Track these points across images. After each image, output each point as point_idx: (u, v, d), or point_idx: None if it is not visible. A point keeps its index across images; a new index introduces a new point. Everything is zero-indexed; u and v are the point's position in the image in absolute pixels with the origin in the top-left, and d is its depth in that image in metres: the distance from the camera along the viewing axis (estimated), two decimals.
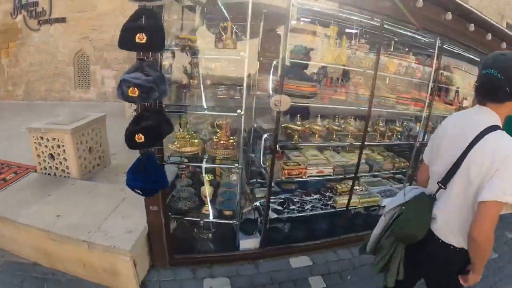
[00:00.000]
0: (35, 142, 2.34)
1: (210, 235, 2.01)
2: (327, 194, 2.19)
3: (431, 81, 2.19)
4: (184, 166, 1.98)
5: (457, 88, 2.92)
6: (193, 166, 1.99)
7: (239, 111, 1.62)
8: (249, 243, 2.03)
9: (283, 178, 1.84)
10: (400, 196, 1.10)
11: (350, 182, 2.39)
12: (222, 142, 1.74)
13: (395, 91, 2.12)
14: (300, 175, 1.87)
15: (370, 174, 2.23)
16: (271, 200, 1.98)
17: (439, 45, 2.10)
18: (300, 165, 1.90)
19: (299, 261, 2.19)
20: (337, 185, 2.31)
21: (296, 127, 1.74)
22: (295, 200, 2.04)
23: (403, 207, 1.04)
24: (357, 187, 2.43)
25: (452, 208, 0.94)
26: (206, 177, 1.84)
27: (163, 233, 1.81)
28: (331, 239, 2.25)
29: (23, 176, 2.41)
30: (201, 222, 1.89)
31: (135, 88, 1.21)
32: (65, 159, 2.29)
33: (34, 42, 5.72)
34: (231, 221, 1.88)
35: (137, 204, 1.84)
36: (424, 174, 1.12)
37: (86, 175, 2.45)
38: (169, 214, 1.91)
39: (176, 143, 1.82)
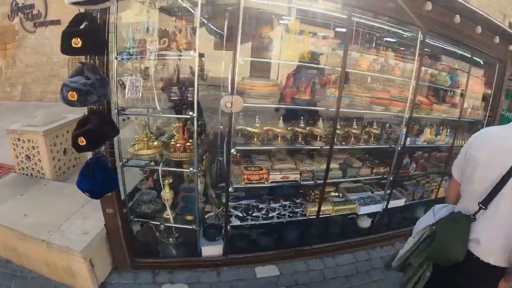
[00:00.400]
0: (13, 144, 2.60)
1: (173, 239, 2.11)
2: (298, 201, 2.22)
3: (412, 78, 2.15)
4: (147, 169, 2.12)
5: (462, 90, 2.82)
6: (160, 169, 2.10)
7: (191, 113, 1.72)
8: (211, 250, 2.10)
9: (243, 183, 1.89)
10: (429, 216, 1.13)
11: (330, 189, 2.40)
12: (178, 145, 1.84)
13: (371, 90, 2.08)
14: (261, 181, 1.92)
15: (345, 180, 2.21)
16: (235, 206, 2.06)
17: (421, 39, 2.06)
18: (262, 170, 1.95)
19: (265, 271, 2.23)
20: (311, 192, 2.33)
21: (253, 129, 1.79)
22: (260, 206, 2.09)
23: (434, 227, 1.07)
24: (334, 194, 2.43)
25: (497, 229, 0.96)
26: (166, 181, 1.96)
27: (121, 236, 1.94)
28: (302, 248, 2.27)
29: (3, 175, 2.68)
30: (161, 226, 2.00)
31: (74, 92, 1.33)
32: (39, 160, 2.53)
33: (30, 44, 6.17)
34: (191, 227, 1.98)
35: (99, 206, 2.01)
36: (454, 191, 1.15)
37: (61, 176, 2.65)
38: (131, 217, 2.07)
39: (135, 146, 1.95)
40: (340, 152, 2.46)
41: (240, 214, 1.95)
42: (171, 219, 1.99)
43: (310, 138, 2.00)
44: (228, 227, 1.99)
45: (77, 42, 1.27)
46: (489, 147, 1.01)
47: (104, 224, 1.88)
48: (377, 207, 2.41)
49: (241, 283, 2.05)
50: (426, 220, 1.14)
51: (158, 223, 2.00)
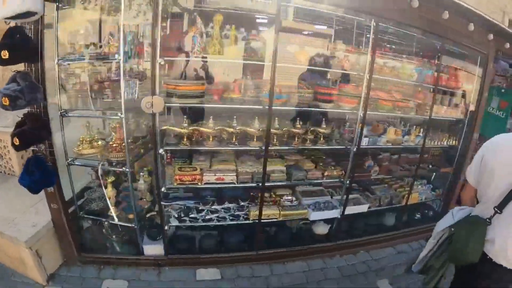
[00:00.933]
0: None
1: (118, 237, 2.39)
2: (244, 204, 2.35)
3: (366, 72, 2.15)
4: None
5: (463, 91, 2.73)
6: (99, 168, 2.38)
7: (119, 114, 1.97)
8: (153, 249, 2.33)
9: (175, 184, 2.08)
10: (448, 218, 1.28)
11: (285, 192, 2.50)
12: (115, 145, 2.11)
13: (314, 85, 2.12)
14: (194, 182, 2.09)
15: (302, 183, 2.30)
16: (180, 207, 2.24)
17: (374, 26, 2.05)
18: (196, 170, 2.13)
19: (207, 274, 2.40)
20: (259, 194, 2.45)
21: (180, 129, 1.97)
22: (200, 208, 2.27)
23: (452, 229, 1.22)
24: (288, 198, 2.52)
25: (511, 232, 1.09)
26: (108, 180, 2.25)
27: (67, 231, 2.27)
28: (247, 253, 2.41)
29: None
30: (105, 223, 2.29)
31: (6, 98, 1.65)
32: (10, 158, 3.02)
33: None
34: (131, 225, 2.23)
35: None
36: (469, 195, 1.31)
37: None
38: (80, 213, 2.40)
39: (79, 146, 2.27)
40: (295, 154, 2.55)
41: (176, 215, 2.16)
42: (114, 217, 2.28)
43: (248, 138, 2.14)
44: (167, 227, 2.22)
45: (5, 54, 1.58)
46: (504, 154, 1.12)
47: (52, 219, 2.23)
48: (333, 213, 2.45)
49: (179, 284, 2.25)
50: (445, 222, 1.28)
51: (104, 220, 2.31)
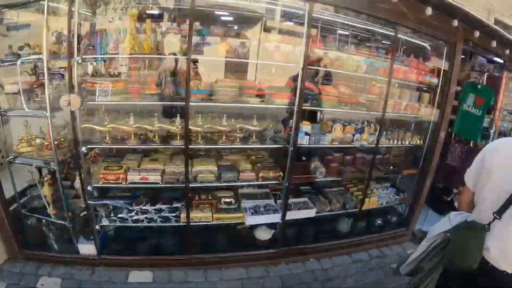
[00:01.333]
0: None
1: (57, 235, 2.37)
2: (179, 205, 2.20)
3: (301, 64, 1.93)
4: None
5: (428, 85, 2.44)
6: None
7: (45, 112, 1.95)
8: (87, 248, 2.24)
9: (100, 182, 1.96)
10: (445, 222, 1.24)
11: (227, 194, 2.35)
12: (46, 143, 2.09)
13: (240, 79, 1.93)
14: (118, 181, 1.96)
15: (216, 185, 2.06)
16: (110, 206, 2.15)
17: (308, 11, 1.81)
18: (120, 169, 2.05)
19: (139, 276, 2.29)
20: (196, 196, 2.32)
21: (99, 127, 1.88)
22: (131, 208, 2.18)
23: (448, 234, 1.18)
24: (227, 200, 2.36)
25: (511, 237, 1.05)
26: (45, 178, 2.24)
27: (7, 227, 2.29)
28: (181, 257, 2.26)
29: None
30: (43, 221, 2.29)
31: None
32: None
33: None
34: (64, 223, 2.20)
35: None
36: (467, 199, 1.26)
37: None
38: (23, 210, 2.42)
39: (18, 144, 2.29)
40: (235, 154, 2.39)
41: (103, 214, 2.10)
42: (51, 215, 2.27)
43: (174, 137, 2.00)
44: (98, 226, 2.16)
45: None
46: (503, 158, 1.08)
47: None
48: (273, 218, 2.23)
49: (109, 285, 2.17)
50: (441, 227, 1.23)
51: (43, 218, 2.31)
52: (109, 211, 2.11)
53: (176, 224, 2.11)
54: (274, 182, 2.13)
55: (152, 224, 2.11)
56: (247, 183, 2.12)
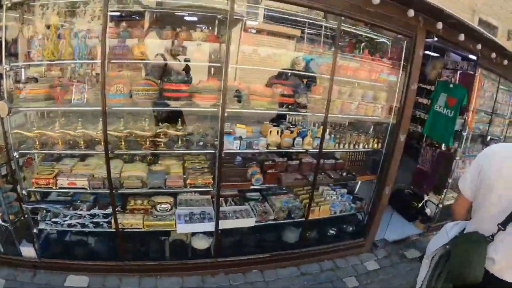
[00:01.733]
0: None
1: (2, 236, 2.40)
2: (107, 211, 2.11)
3: (224, 62, 1.63)
4: None
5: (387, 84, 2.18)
6: None
7: None
8: (28, 251, 2.26)
9: (34, 187, 1.89)
10: (442, 235, 1.19)
11: (165, 200, 2.24)
12: None
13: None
14: (49, 185, 1.93)
15: (142, 191, 1.96)
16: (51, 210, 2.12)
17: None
18: (50, 174, 2.01)
19: (76, 280, 2.22)
20: (132, 201, 2.24)
21: (27, 133, 1.76)
22: (66, 213, 2.15)
23: (447, 246, 1.14)
24: (164, 206, 2.26)
25: None
26: None
27: None
28: (115, 263, 2.16)
29: None
30: None
31: None
32: None
33: None
34: (5, 225, 2.21)
35: None
36: (463, 209, 1.20)
37: None
38: None
39: None
40: (171, 158, 2.28)
41: (39, 218, 2.08)
42: None
43: (95, 142, 1.84)
44: (36, 230, 2.14)
45: None
46: (506, 166, 1.02)
47: None
48: (206, 226, 2.07)
49: None
50: (439, 240, 1.18)
51: None
52: (45, 215, 2.10)
53: (109, 230, 2.05)
54: (203, 189, 2.00)
55: (85, 229, 2.07)
56: (174, 190, 2.01)
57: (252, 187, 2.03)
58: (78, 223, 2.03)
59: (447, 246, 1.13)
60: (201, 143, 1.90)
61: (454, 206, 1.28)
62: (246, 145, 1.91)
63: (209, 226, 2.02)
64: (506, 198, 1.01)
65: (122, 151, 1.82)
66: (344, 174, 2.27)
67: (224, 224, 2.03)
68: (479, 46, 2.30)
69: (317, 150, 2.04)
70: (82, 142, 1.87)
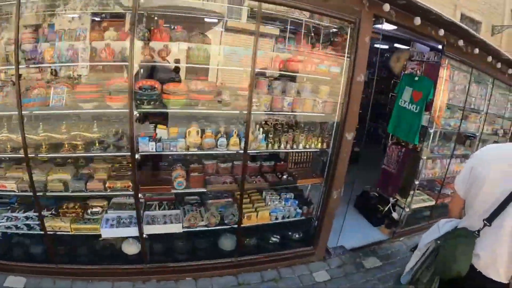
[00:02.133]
0: None
1: None
2: (47, 214, 2.05)
3: (131, 59, 1.54)
4: None
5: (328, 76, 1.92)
6: None
7: None
8: None
9: None
10: (434, 230, 1.22)
11: (100, 203, 2.17)
12: None
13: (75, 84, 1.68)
14: None
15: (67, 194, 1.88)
16: None
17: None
18: None
19: (15, 282, 2.24)
20: (65, 204, 2.20)
21: None
22: (3, 215, 2.15)
23: (438, 241, 1.16)
24: (95, 209, 2.19)
25: (500, 245, 1.02)
26: None
27: None
28: (49, 266, 2.12)
29: None
30: None
31: None
32: None
33: None
34: None
35: None
36: (458, 207, 1.23)
37: None
38: None
39: None
40: (106, 162, 2.20)
41: None
42: None
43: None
44: None
45: None
46: (495, 165, 1.05)
47: None
48: (130, 231, 1.94)
49: None
50: (431, 235, 1.21)
51: None
52: None
53: (39, 232, 2.03)
54: (123, 192, 1.90)
55: (19, 231, 2.07)
56: (95, 193, 1.93)
57: (173, 191, 1.88)
58: (13, 225, 2.03)
59: (438, 241, 1.15)
60: (118, 146, 1.79)
61: (450, 204, 1.30)
62: (163, 147, 1.77)
63: (134, 231, 1.91)
64: (494, 196, 1.02)
65: (42, 154, 1.77)
66: (284, 177, 2.05)
67: (150, 229, 1.91)
68: (441, 32, 1.95)
69: (242, 151, 1.85)
70: (8, 147, 1.85)
